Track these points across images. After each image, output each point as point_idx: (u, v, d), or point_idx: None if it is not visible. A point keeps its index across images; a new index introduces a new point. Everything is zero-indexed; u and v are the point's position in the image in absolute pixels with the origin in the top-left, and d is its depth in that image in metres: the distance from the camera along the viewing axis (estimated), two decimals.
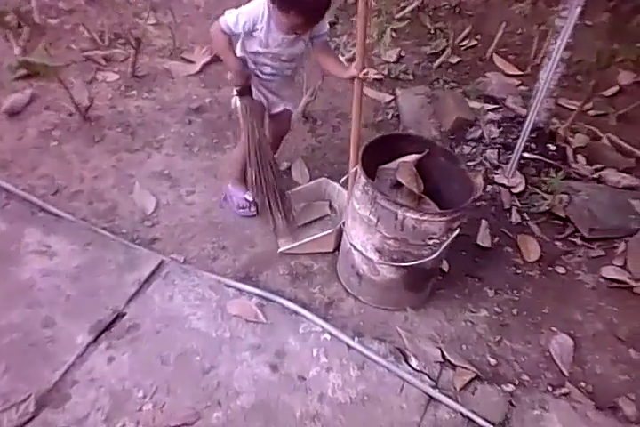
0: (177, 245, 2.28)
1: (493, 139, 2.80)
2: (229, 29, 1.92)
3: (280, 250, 2.28)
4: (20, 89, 2.80)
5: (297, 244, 2.26)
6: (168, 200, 2.45)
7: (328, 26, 2.07)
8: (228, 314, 2.00)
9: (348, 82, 2.11)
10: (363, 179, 1.87)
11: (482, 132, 2.81)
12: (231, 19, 1.90)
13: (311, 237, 2.26)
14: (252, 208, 2.42)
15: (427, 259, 1.90)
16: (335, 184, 2.44)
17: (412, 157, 2.05)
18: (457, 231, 1.87)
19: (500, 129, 2.83)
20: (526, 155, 2.70)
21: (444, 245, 1.88)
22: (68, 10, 3.37)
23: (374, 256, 1.97)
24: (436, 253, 1.88)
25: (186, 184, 2.52)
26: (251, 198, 2.40)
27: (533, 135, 2.74)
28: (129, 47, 3.08)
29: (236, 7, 1.94)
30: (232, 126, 2.84)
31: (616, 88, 3.70)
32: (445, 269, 2.30)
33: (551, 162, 2.69)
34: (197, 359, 1.86)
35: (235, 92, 2.11)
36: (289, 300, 2.08)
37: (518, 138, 2.58)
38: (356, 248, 2.02)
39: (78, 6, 3.39)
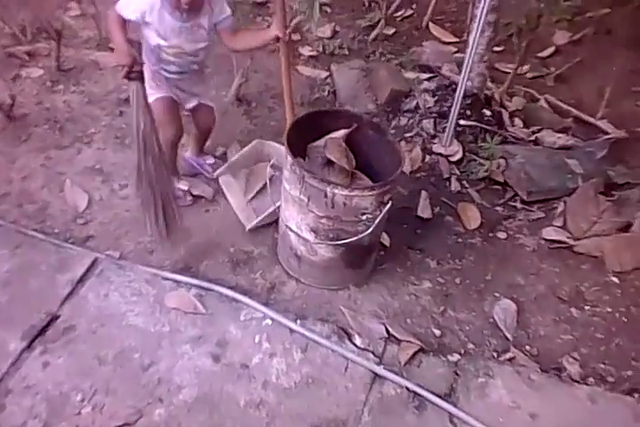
0: (112, 240, 2.18)
1: (429, 108, 2.73)
2: (121, 12, 1.82)
3: (248, 227, 2.22)
4: None
5: (258, 219, 2.21)
6: (101, 196, 2.34)
7: (229, 10, 1.95)
8: (166, 307, 1.92)
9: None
10: (289, 158, 1.79)
11: (417, 103, 2.74)
12: (123, 2, 1.81)
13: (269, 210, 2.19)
14: (188, 198, 2.33)
15: (362, 235, 1.84)
16: (270, 142, 2.39)
17: (340, 133, 1.97)
18: (389, 205, 1.81)
19: (436, 98, 2.76)
20: (462, 122, 2.64)
21: (377, 220, 1.81)
22: None
23: (310, 236, 1.90)
24: (371, 229, 1.82)
25: (119, 178, 2.41)
26: (185, 188, 2.31)
27: (468, 102, 2.69)
28: (52, 41, 2.92)
29: None
30: None
31: (552, 49, 3.66)
32: (386, 243, 2.25)
33: (487, 127, 2.64)
34: (136, 357, 1.79)
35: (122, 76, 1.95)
36: (229, 288, 2.01)
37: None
38: (291, 230, 1.95)
39: None
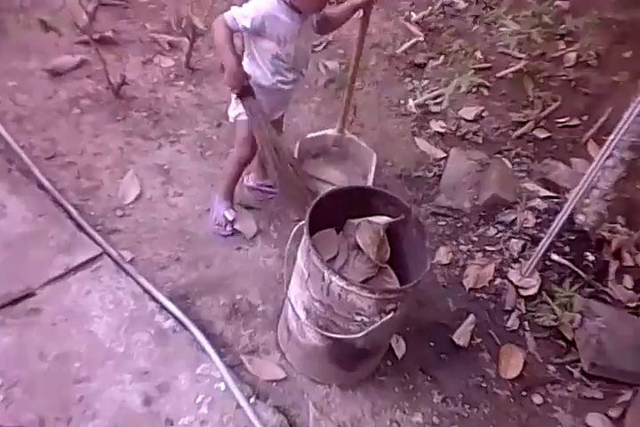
0: (134, 242, 2.22)
1: (525, 228, 2.51)
2: (234, 22, 1.82)
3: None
4: (74, 52, 2.89)
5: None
6: (152, 195, 2.41)
7: None
8: (134, 328, 1.89)
9: None
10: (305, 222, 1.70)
11: (516, 218, 2.53)
12: (238, 11, 1.82)
13: None
14: (228, 228, 2.31)
15: (353, 336, 1.68)
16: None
17: (383, 219, 1.84)
18: (389, 315, 1.63)
19: (539, 220, 2.54)
20: (555, 257, 2.39)
21: (372, 326, 1.65)
22: None
23: (302, 315, 1.79)
24: (362, 333, 1.66)
25: (178, 185, 2.47)
26: (231, 218, 2.30)
27: (572, 237, 2.43)
28: (199, 40, 3.12)
29: None
30: None
31: None
32: (399, 355, 2.06)
33: (580, 272, 2.36)
34: (76, 366, 1.77)
35: (234, 97, 2.01)
36: (208, 334, 1.95)
37: (554, 236, 2.29)
38: (290, 300, 1.85)
39: None
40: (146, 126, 2.68)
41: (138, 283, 2.02)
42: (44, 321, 1.84)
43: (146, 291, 2.00)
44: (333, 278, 1.58)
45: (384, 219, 1.84)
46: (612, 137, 2.16)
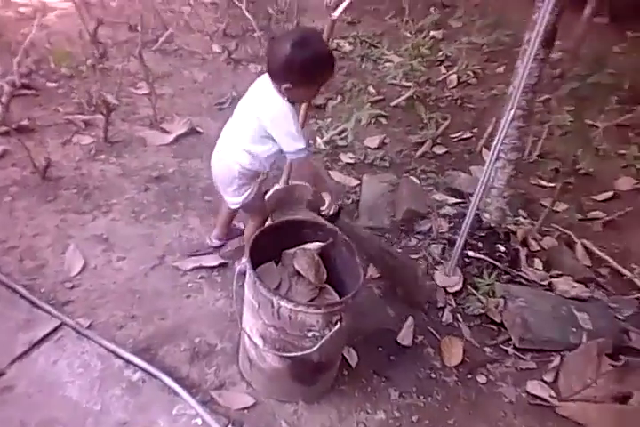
0: (89, 309, 2.37)
1: (442, 233, 2.83)
2: (309, 147, 2.06)
3: None
4: None
5: None
6: (96, 264, 2.57)
7: None
8: (105, 385, 2.04)
9: None
10: (247, 258, 1.93)
11: (431, 226, 2.85)
12: (297, 135, 1.98)
13: None
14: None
15: (308, 351, 1.90)
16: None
17: (315, 245, 2.11)
18: (337, 326, 1.87)
19: (451, 224, 2.87)
20: (471, 253, 2.71)
21: (323, 340, 1.88)
22: (69, 75, 3.70)
23: (260, 342, 1.99)
24: (316, 347, 1.88)
25: (120, 250, 2.65)
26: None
27: (482, 234, 2.76)
28: (112, 114, 3.36)
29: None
30: (186, 197, 3.00)
31: (610, 193, 3.71)
32: (353, 363, 2.29)
33: (495, 263, 2.68)
34: None
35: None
36: (177, 378, 2.11)
37: (467, 236, 2.61)
38: (245, 331, 2.06)
39: (80, 73, 3.72)
40: (77, 202, 2.86)
41: (100, 345, 2.17)
42: (18, 396, 1.96)
43: (110, 351, 2.15)
44: (281, 303, 1.80)
45: (316, 244, 2.10)
46: (495, 142, 2.51)
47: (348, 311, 1.93)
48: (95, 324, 2.31)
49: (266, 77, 2.05)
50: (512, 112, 2.34)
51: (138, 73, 3.88)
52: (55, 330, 2.19)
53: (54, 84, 3.68)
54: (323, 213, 2.24)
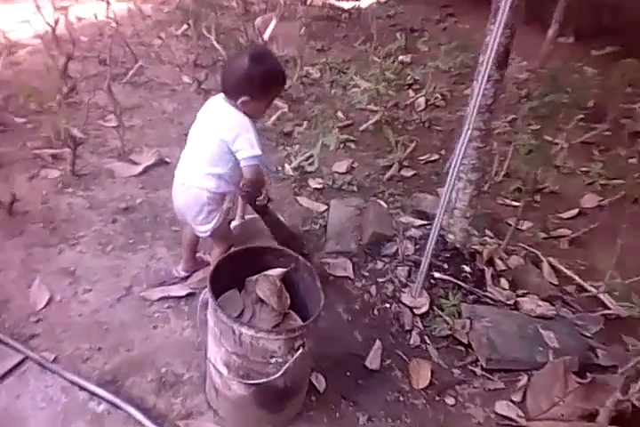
0: (54, 342, 2.37)
1: (407, 256, 2.87)
2: (260, 156, 2.17)
3: None
4: None
5: None
6: (62, 297, 2.58)
7: None
8: (70, 418, 2.04)
9: None
10: (208, 286, 1.96)
11: (397, 249, 2.90)
12: (252, 146, 2.14)
13: None
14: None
15: (271, 377, 1.92)
16: None
17: (277, 271, 2.14)
18: (299, 351, 1.90)
19: (417, 246, 2.91)
20: (437, 275, 2.76)
21: (286, 365, 1.90)
22: (39, 110, 3.74)
23: (224, 370, 2.01)
24: (279, 373, 1.91)
25: (86, 282, 2.66)
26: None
27: (447, 255, 2.82)
28: (80, 147, 3.41)
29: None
30: (154, 227, 3.03)
31: (576, 211, 3.79)
32: (320, 389, 2.30)
33: (460, 284, 2.73)
34: None
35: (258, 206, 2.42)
36: (143, 409, 2.12)
37: (431, 257, 2.66)
38: (210, 360, 2.07)
39: (49, 108, 3.77)
40: (44, 236, 2.88)
41: (64, 378, 2.18)
42: None
43: (74, 383, 2.16)
44: (242, 330, 1.83)
45: (278, 270, 2.14)
46: (453, 163, 2.57)
47: (311, 336, 1.96)
48: (60, 357, 2.31)
49: (215, 100, 2.23)
50: (468, 133, 2.41)
51: (107, 106, 3.93)
52: (19, 364, 2.20)
53: (23, 120, 3.72)
54: (257, 202, 2.37)
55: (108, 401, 2.11)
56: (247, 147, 2.14)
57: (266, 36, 2.47)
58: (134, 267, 2.79)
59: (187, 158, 2.30)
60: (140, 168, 3.43)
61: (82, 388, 2.15)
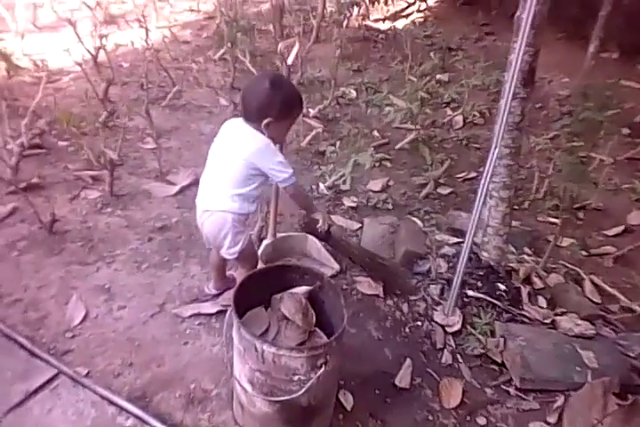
0: (88, 358, 2.45)
1: (440, 274, 2.86)
2: (295, 176, 2.27)
3: None
4: (5, 202, 3.25)
5: None
6: (97, 313, 2.67)
7: None
8: None
9: None
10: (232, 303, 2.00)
11: (430, 266, 2.89)
12: (283, 166, 2.22)
13: None
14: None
15: (295, 395, 1.93)
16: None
17: (302, 289, 2.17)
18: (322, 369, 1.91)
19: (450, 264, 2.90)
20: (470, 293, 2.73)
21: (309, 383, 1.91)
22: (80, 133, 3.91)
23: (248, 387, 2.03)
24: (302, 391, 1.92)
25: (121, 299, 2.75)
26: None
27: (481, 273, 2.79)
28: (120, 168, 3.55)
29: None
30: (188, 246, 3.11)
31: (621, 228, 3.70)
32: (348, 406, 2.30)
33: (495, 302, 2.69)
34: None
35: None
36: (169, 425, 2.16)
37: (465, 274, 2.64)
38: (235, 377, 2.10)
39: (91, 131, 3.95)
40: (82, 254, 2.99)
41: (95, 393, 2.24)
42: None
43: (104, 398, 2.22)
44: (264, 347, 1.85)
45: (303, 288, 2.17)
46: (482, 181, 2.57)
47: (335, 354, 1.97)
48: (93, 372, 2.38)
49: (234, 124, 2.31)
50: (496, 150, 2.42)
51: (146, 129, 4.08)
52: (52, 379, 2.27)
53: (65, 143, 3.90)
54: (319, 229, 2.47)
55: (136, 416, 2.16)
56: (280, 168, 2.21)
57: (290, 60, 2.54)
58: (168, 284, 2.86)
59: (207, 183, 2.37)
60: (176, 188, 3.54)
61: (111, 403, 2.21)
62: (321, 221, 2.49)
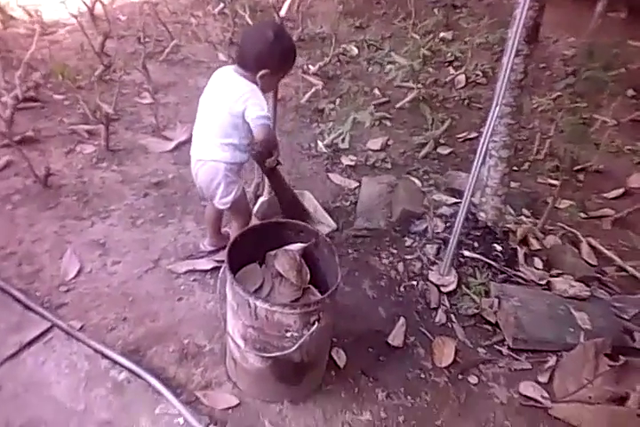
0: (82, 312, 2.42)
1: (437, 233, 2.80)
2: (269, 118, 2.20)
3: None
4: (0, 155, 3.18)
5: None
6: (92, 268, 2.63)
7: None
8: (89, 385, 2.08)
9: None
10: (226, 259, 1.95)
11: (427, 226, 2.83)
12: (262, 108, 2.14)
13: None
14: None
15: (287, 351, 1.90)
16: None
17: (297, 246, 2.12)
18: (315, 326, 1.87)
19: (447, 224, 2.84)
20: (467, 253, 2.68)
21: (302, 339, 1.88)
22: (76, 86, 3.79)
23: (241, 343, 2.01)
24: (295, 347, 1.89)
25: (115, 254, 2.70)
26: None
27: (478, 233, 2.73)
28: (116, 122, 3.46)
29: None
30: (184, 202, 3.05)
31: (621, 190, 3.63)
32: (341, 364, 2.28)
33: (491, 262, 2.65)
34: None
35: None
36: (164, 378, 2.14)
37: (461, 235, 2.59)
38: (229, 333, 2.07)
39: (87, 85, 3.83)
40: (77, 208, 2.93)
41: (89, 346, 2.22)
42: (5, 396, 2.02)
43: (97, 351, 2.20)
44: (257, 303, 1.82)
45: (298, 245, 2.11)
46: (482, 140, 2.49)
47: (329, 311, 1.94)
48: (86, 326, 2.35)
49: (224, 72, 2.24)
50: (497, 109, 2.33)
51: (143, 83, 3.96)
52: (46, 332, 2.25)
53: (61, 97, 3.79)
54: (267, 164, 2.32)
55: (129, 370, 2.14)
56: (257, 109, 2.13)
57: (282, 12, 2.44)
58: (163, 240, 2.81)
59: (199, 134, 2.32)
60: (172, 144, 3.45)
61: (105, 356, 2.19)
62: (273, 157, 2.33)
